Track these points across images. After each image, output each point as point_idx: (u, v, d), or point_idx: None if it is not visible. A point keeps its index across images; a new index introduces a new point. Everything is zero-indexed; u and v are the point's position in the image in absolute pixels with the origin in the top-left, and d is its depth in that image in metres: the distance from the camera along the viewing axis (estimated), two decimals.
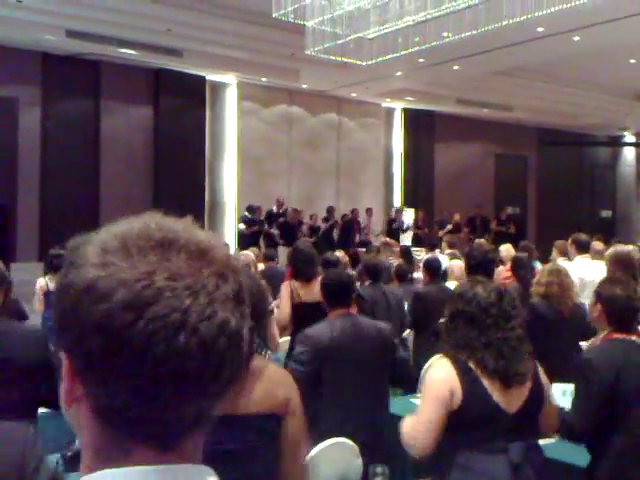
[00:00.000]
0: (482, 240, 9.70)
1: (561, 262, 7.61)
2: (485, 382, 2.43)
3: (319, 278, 5.04)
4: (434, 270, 5.97)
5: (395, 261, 12.83)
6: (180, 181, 13.60)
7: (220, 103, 14.79)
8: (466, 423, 2.42)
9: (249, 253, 7.05)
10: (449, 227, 15.06)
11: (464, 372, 2.44)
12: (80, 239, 0.72)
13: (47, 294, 5.89)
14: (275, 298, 6.52)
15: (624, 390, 2.70)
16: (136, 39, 11.82)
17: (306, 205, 15.22)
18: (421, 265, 8.47)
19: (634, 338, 2.91)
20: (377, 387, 3.52)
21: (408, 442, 2.52)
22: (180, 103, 13.82)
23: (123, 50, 12.06)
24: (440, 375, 2.47)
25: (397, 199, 17.43)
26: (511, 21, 8.43)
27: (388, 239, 14.57)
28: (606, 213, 21.33)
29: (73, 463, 2.94)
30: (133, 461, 0.68)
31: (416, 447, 2.47)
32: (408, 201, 17.03)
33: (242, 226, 13.27)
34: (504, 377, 2.43)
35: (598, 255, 6.69)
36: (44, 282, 6.11)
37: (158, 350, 0.64)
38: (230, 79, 14.60)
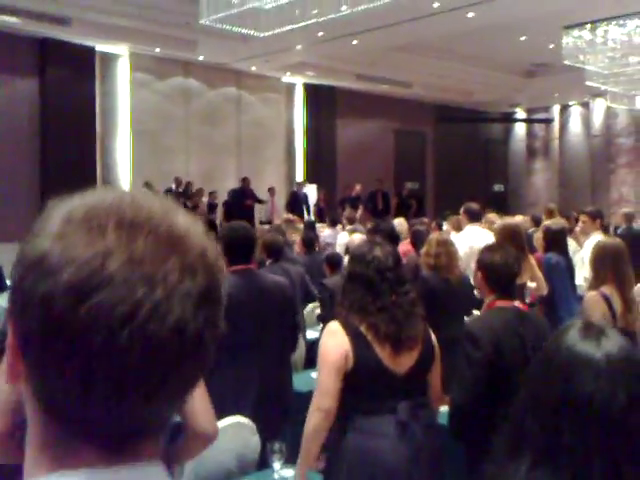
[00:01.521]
0: (401, 220, 9.78)
1: (454, 235, 7.83)
2: (376, 346, 2.48)
3: None
4: (335, 264, 6.05)
5: (298, 237, 12.87)
6: (69, 157, 12.86)
7: (111, 75, 14.09)
8: (357, 386, 2.48)
9: None
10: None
11: (356, 337, 2.48)
12: (55, 202, 0.66)
13: None
14: None
15: (504, 361, 2.69)
16: (19, 6, 11.01)
17: (206, 182, 14.84)
18: (321, 241, 8.47)
19: (516, 304, 2.94)
20: (278, 349, 3.44)
21: (312, 413, 2.51)
22: (68, 75, 13.03)
23: (5, 17, 11.21)
24: (333, 342, 2.50)
25: (299, 175, 17.35)
26: None
27: (291, 216, 14.51)
28: (499, 187, 22.17)
29: None
30: (80, 462, 0.62)
31: (322, 416, 2.47)
32: (310, 177, 16.98)
33: None
34: (395, 341, 2.48)
35: (492, 226, 6.87)
36: None
37: (96, 342, 0.58)
38: (121, 50, 13.92)
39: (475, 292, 4.70)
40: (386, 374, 2.49)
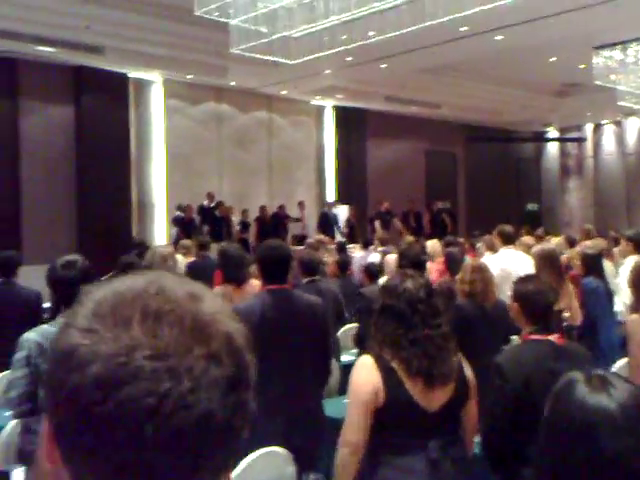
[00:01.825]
0: (410, 238, 9.76)
1: (488, 256, 7.78)
2: (407, 383, 2.45)
3: (251, 281, 4.94)
4: (374, 273, 6.30)
5: (330, 258, 12.91)
6: (105, 183, 13.16)
7: (145, 101, 14.40)
8: (387, 422, 2.46)
9: (164, 248, 6.43)
10: (377, 226, 15.12)
11: (387, 373, 2.45)
12: (89, 289, 0.69)
13: None
14: None
15: (533, 398, 2.57)
16: (54, 36, 11.35)
17: (238, 204, 15.05)
18: (354, 262, 8.54)
19: (552, 338, 2.81)
20: (310, 372, 3.37)
21: (340, 447, 2.51)
22: (102, 101, 13.36)
23: (41, 47, 11.58)
24: (364, 377, 2.48)
25: (330, 196, 17.44)
26: (434, 22, 8.50)
27: (322, 237, 14.59)
28: (532, 206, 21.94)
29: None
30: None
31: (349, 451, 2.46)
32: (341, 198, 17.06)
33: (173, 231, 13.07)
34: (427, 377, 2.44)
35: (529, 250, 6.82)
36: None
37: (123, 435, 0.58)
38: (154, 76, 14.24)
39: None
40: (417, 411, 2.46)
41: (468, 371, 2.66)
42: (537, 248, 5.51)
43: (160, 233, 14.45)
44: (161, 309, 0.63)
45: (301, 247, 13.42)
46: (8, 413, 3.17)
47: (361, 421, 2.44)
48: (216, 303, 0.67)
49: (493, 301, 4.43)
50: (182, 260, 6.25)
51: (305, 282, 5.61)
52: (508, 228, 6.90)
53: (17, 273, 5.46)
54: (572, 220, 20.86)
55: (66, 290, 2.95)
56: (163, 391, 0.59)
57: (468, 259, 8.05)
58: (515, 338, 5.26)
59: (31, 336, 2.82)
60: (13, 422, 3.17)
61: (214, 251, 9.38)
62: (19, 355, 2.80)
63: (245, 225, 14.22)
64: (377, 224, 15.53)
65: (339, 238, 14.49)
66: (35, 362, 2.77)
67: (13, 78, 12.47)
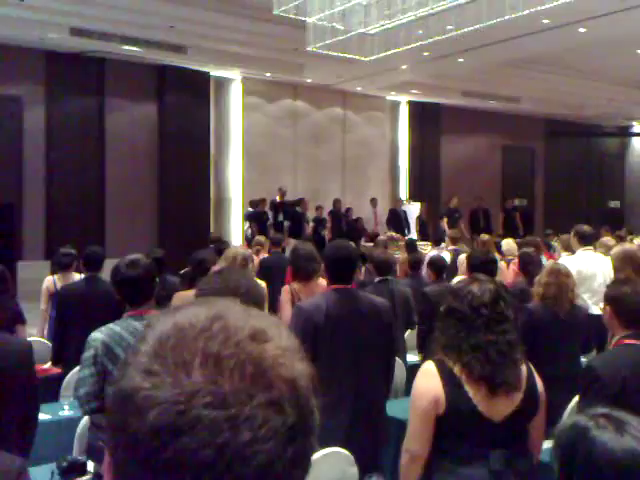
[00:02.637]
0: (486, 236, 9.59)
1: (565, 257, 7.55)
2: (470, 390, 2.39)
3: (319, 280, 5.02)
4: (439, 268, 6.05)
5: (401, 255, 12.89)
6: (185, 178, 13.60)
7: (224, 99, 14.77)
8: (448, 431, 2.41)
9: (245, 250, 6.63)
10: (444, 224, 14.92)
11: (449, 380, 2.40)
12: (153, 317, 0.69)
13: (54, 294, 5.81)
14: (277, 288, 6.29)
15: (631, 403, 2.48)
16: (140, 36, 11.80)
17: (312, 199, 15.22)
18: (426, 262, 8.46)
19: None
20: (374, 373, 3.38)
21: (402, 453, 2.49)
22: (184, 99, 13.80)
23: (127, 47, 12.05)
24: (425, 385, 2.44)
25: (403, 193, 17.37)
26: (516, 15, 8.33)
27: (393, 233, 14.56)
28: (614, 203, 21.17)
29: (68, 474, 2.97)
30: None
31: (409, 457, 2.45)
32: (414, 194, 16.96)
33: (248, 230, 13.25)
34: (490, 384, 2.37)
35: (608, 250, 6.59)
36: (51, 281, 6.07)
37: None
38: (234, 75, 14.57)
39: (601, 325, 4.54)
40: (480, 420, 2.38)
41: (539, 383, 2.56)
42: (616, 249, 5.26)
43: (236, 228, 14.78)
44: (222, 352, 0.61)
45: (371, 244, 13.51)
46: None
47: (422, 430, 2.41)
48: (281, 342, 0.64)
49: (567, 308, 4.23)
50: (256, 259, 6.36)
51: (377, 281, 5.64)
52: (586, 228, 6.63)
53: (102, 268, 5.49)
54: None
55: (130, 289, 3.02)
56: (221, 442, 0.57)
57: (544, 260, 7.86)
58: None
59: (97, 336, 2.90)
60: (86, 417, 3.28)
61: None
62: (87, 354, 2.88)
63: (319, 221, 14.34)
64: (444, 222, 15.33)
65: (409, 235, 14.44)
66: (101, 361, 2.85)
67: (101, 77, 13.04)
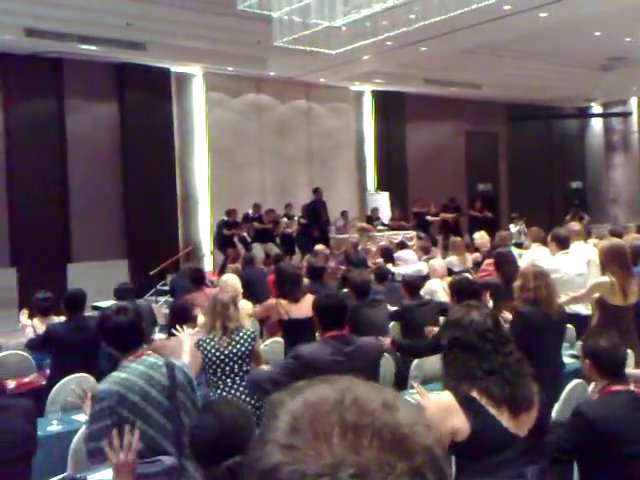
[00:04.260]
0: (458, 239, 9.64)
1: (536, 249, 7.63)
2: (492, 410, 2.39)
3: (307, 296, 5.16)
4: (414, 289, 6.07)
5: (373, 247, 12.92)
6: (150, 177, 13.36)
7: (187, 95, 14.54)
8: (480, 452, 2.39)
9: (224, 295, 6.19)
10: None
11: (468, 404, 2.39)
12: (277, 397, 0.68)
13: (33, 340, 5.67)
14: (261, 298, 6.59)
15: (620, 446, 2.66)
16: (96, 34, 11.52)
17: (280, 193, 15.14)
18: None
19: (632, 388, 2.91)
20: None
21: None
22: (146, 97, 13.53)
23: (84, 46, 11.76)
24: (439, 418, 2.37)
25: (370, 182, 17.38)
26: (480, 5, 8.35)
27: (364, 224, 14.57)
28: (576, 184, 21.55)
29: None
30: None
31: None
32: (382, 184, 16.99)
33: (225, 231, 13.15)
34: (513, 404, 2.40)
35: (576, 234, 6.65)
36: (30, 325, 5.90)
37: None
38: (196, 70, 14.34)
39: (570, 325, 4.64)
40: (508, 437, 2.39)
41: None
42: (604, 243, 5.23)
43: (204, 225, 14.61)
44: (360, 421, 0.61)
45: (342, 235, 13.56)
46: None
47: None
48: (412, 412, 0.65)
49: (557, 309, 4.27)
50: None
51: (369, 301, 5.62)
52: (562, 231, 6.56)
53: (84, 309, 5.51)
54: (618, 197, 20.43)
55: (120, 336, 2.97)
56: None
57: (514, 250, 7.93)
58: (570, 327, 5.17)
59: (106, 387, 2.81)
60: (82, 429, 3.23)
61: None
62: (98, 407, 2.78)
63: (290, 218, 14.17)
64: (448, 216, 15.35)
65: (380, 227, 14.47)
66: (117, 411, 2.77)
67: (59, 78, 12.70)
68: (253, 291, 7.01)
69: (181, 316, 4.91)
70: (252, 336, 4.40)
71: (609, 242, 5.21)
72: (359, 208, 16.62)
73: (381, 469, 0.59)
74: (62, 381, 4.60)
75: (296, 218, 14.13)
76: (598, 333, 3.19)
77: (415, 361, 4.93)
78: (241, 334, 4.29)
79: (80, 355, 5.10)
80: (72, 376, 4.64)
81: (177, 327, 4.13)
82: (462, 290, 4.65)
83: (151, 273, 12.16)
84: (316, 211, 14.14)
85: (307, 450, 0.60)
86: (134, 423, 2.73)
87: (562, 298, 5.63)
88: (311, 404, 0.64)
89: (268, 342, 5.62)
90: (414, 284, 6.09)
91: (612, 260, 4.72)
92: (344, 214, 14.84)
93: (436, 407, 2.46)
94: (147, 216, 13.26)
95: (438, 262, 7.60)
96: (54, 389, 4.57)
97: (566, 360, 4.87)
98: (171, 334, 4.85)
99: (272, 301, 5.37)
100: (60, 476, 2.97)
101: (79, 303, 5.41)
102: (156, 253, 12.69)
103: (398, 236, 13.44)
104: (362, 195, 16.92)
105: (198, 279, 7.25)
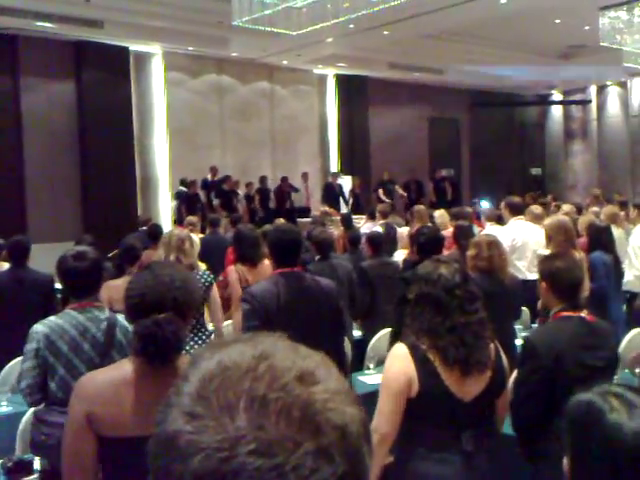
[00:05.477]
0: (421, 207, 9.67)
1: (490, 227, 7.78)
2: (443, 373, 2.41)
3: (264, 261, 5.00)
4: (378, 244, 6.08)
5: (336, 230, 12.92)
6: (108, 158, 13.09)
7: (146, 74, 14.26)
8: (421, 413, 2.43)
9: (181, 231, 6.45)
10: (381, 195, 15.28)
11: (422, 363, 2.42)
12: (198, 352, 0.65)
13: None
14: (217, 268, 6.29)
15: (565, 373, 2.61)
16: (53, 11, 11.22)
17: (241, 176, 15.00)
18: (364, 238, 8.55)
19: (583, 315, 2.82)
20: (328, 352, 3.41)
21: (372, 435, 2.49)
22: (104, 76, 13.23)
23: (40, 23, 11.44)
24: (398, 367, 2.45)
25: (334, 167, 17.36)
26: None
27: (327, 208, 14.56)
28: (536, 171, 21.84)
29: (14, 474, 2.88)
30: None
31: (379, 439, 2.44)
32: (345, 168, 16.98)
33: (175, 205, 13.06)
34: (464, 366, 2.41)
35: (537, 219, 6.80)
36: None
37: None
38: (155, 49, 14.08)
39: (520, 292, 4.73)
40: (452, 402, 2.42)
41: (504, 359, 2.62)
42: (551, 219, 5.49)
43: (164, 207, 14.43)
44: (268, 395, 0.58)
45: (305, 219, 13.48)
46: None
47: (392, 412, 2.42)
48: (331, 385, 0.61)
49: (509, 276, 4.38)
50: (196, 238, 6.21)
51: (318, 259, 5.61)
52: (516, 199, 6.94)
53: (28, 257, 5.27)
54: (576, 184, 20.79)
55: (76, 281, 3.00)
56: None
57: (477, 230, 8.06)
58: (525, 310, 5.31)
59: (40, 328, 2.89)
60: (29, 412, 3.23)
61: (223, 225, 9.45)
62: (29, 347, 2.89)
63: (249, 198, 14.20)
64: (380, 192, 15.59)
65: (344, 209, 14.49)
66: (43, 354, 2.86)
67: (14, 55, 12.34)
68: (209, 259, 6.48)
69: (130, 255, 4.87)
70: (209, 280, 4.30)
71: (556, 218, 5.48)
72: (322, 191, 16.60)
73: (284, 447, 0.56)
74: (12, 362, 4.49)
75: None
76: (554, 255, 3.13)
77: (371, 342, 4.95)
78: (196, 275, 4.17)
79: (22, 310, 4.84)
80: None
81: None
82: (423, 242, 4.61)
83: (110, 255, 11.97)
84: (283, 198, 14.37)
85: (209, 421, 0.58)
86: (56, 371, 2.84)
87: (518, 263, 5.84)
88: (223, 369, 0.61)
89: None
90: (377, 240, 6.03)
91: (558, 232, 4.99)
92: (305, 175, 15.30)
93: (393, 357, 2.49)
94: (106, 197, 13.03)
95: (405, 230, 7.37)
96: (4, 370, 4.40)
97: (519, 342, 4.96)
98: (120, 272, 4.77)
99: (230, 268, 5.19)
100: (9, 459, 2.95)
101: (23, 251, 5.22)
102: (115, 235, 12.46)
103: (361, 220, 13.49)
104: (325, 178, 16.90)
105: (156, 235, 6.76)
